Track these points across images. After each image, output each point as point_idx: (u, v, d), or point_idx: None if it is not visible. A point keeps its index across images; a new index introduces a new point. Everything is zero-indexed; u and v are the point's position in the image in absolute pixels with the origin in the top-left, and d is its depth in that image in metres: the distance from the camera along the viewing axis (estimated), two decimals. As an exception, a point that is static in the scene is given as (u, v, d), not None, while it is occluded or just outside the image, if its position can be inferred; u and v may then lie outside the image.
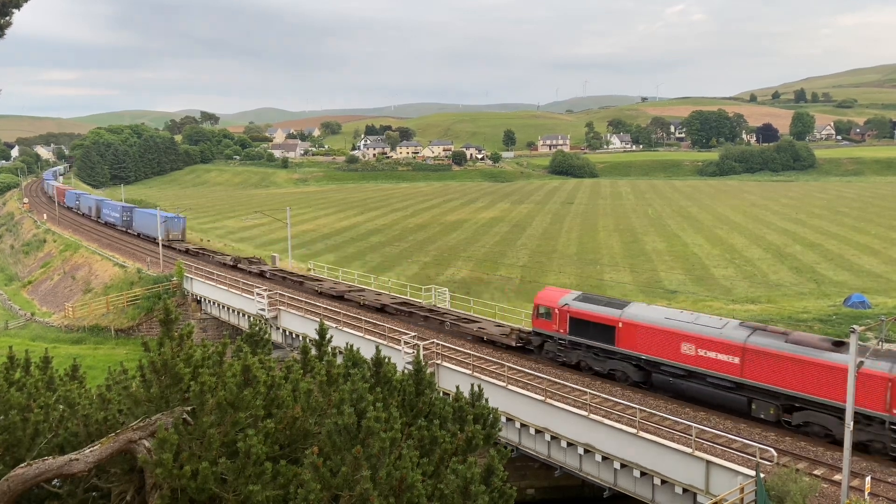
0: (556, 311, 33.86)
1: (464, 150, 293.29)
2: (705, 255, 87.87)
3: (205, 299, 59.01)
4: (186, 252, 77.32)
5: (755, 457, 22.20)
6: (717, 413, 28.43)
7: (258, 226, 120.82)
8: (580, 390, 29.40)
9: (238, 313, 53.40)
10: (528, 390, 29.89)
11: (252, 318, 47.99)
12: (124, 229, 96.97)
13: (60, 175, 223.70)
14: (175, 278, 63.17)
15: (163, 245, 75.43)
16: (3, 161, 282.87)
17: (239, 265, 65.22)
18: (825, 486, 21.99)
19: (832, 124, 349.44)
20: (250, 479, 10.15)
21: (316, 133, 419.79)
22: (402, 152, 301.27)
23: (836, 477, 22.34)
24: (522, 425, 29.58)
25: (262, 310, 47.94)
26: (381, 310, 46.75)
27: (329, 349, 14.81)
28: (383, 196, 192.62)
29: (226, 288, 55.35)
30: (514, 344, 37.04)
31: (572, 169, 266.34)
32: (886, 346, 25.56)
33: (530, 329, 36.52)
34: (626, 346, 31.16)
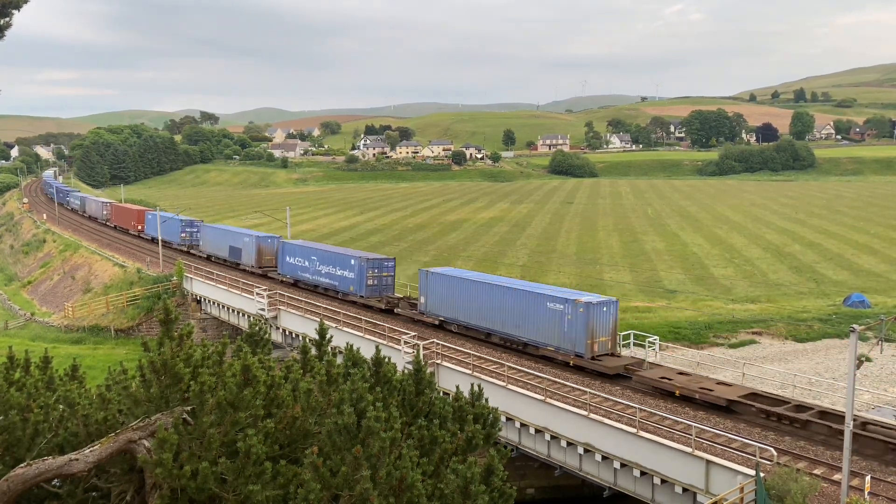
0: None
1: (463, 149, 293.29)
2: (705, 254, 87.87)
3: (204, 299, 59.01)
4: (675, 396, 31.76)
5: (755, 456, 22.19)
6: (716, 412, 28.44)
7: (258, 226, 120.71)
8: (580, 390, 29.41)
9: (238, 313, 53.39)
10: (527, 390, 29.90)
11: (252, 318, 47.97)
12: (383, 309, 48.99)
13: (60, 175, 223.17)
14: (175, 278, 63.17)
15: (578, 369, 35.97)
16: (3, 161, 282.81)
17: None
18: (825, 485, 21.99)
19: (832, 124, 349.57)
20: (250, 479, 10.14)
21: (315, 133, 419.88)
22: (402, 152, 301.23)
23: (836, 476, 22.33)
24: (522, 425, 29.57)
25: (262, 309, 47.96)
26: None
27: (329, 349, 14.80)
28: (383, 196, 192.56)
29: (225, 288, 55.34)
30: None
31: (572, 169, 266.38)
32: (886, 345, 25.59)
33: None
34: None
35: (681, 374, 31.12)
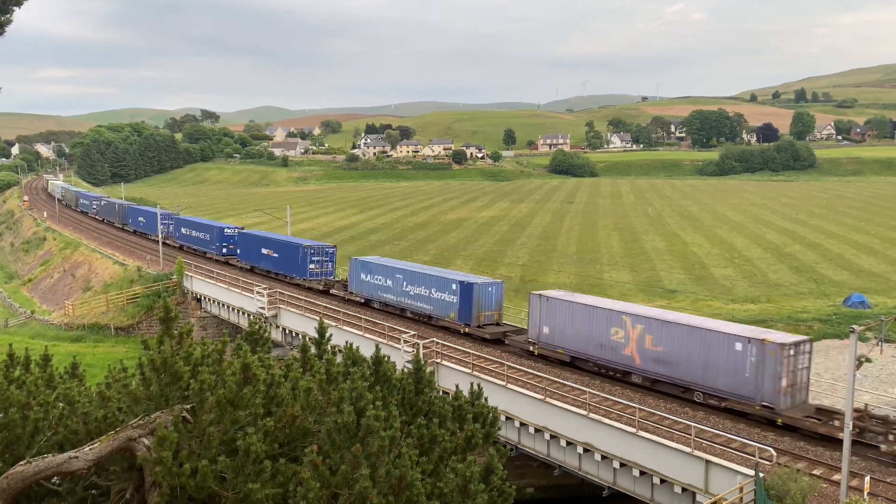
0: None
1: (464, 148, 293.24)
2: (705, 254, 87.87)
3: (205, 297, 59.02)
4: None
5: (754, 456, 22.20)
6: (716, 412, 28.46)
7: (258, 224, 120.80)
8: (579, 389, 29.43)
9: (238, 312, 53.41)
10: (527, 389, 29.91)
11: (252, 317, 47.99)
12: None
13: (60, 174, 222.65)
14: (175, 276, 63.17)
15: None
16: (4, 159, 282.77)
17: None
18: (824, 485, 22.01)
19: (832, 124, 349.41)
20: (249, 478, 10.14)
21: (316, 132, 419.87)
22: (402, 151, 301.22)
23: (836, 477, 22.34)
24: (522, 424, 29.59)
25: (262, 308, 47.97)
26: None
27: (328, 348, 14.80)
28: (383, 195, 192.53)
29: (225, 286, 55.36)
30: None
31: (572, 168, 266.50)
32: (886, 345, 25.59)
33: None
34: None
35: None
